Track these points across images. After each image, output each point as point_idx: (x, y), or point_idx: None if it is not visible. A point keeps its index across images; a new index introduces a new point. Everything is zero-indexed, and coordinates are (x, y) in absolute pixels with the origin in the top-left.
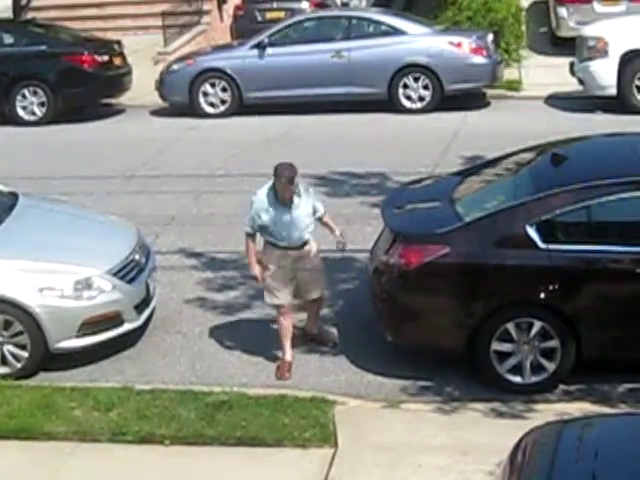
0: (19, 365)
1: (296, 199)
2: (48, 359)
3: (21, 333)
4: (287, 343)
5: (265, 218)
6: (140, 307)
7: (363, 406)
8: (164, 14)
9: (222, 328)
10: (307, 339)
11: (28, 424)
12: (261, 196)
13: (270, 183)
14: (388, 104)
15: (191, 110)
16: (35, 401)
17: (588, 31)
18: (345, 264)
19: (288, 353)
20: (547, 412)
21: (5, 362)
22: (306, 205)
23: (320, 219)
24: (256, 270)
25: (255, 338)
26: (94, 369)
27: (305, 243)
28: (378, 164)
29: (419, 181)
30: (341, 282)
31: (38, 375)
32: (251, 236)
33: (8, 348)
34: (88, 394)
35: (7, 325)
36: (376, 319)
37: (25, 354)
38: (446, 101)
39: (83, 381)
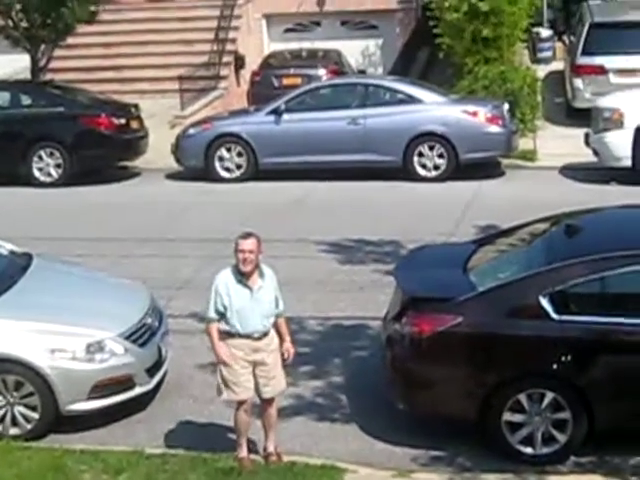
0: (29, 426)
1: (259, 281)
2: (59, 421)
3: (32, 394)
4: (243, 440)
5: (225, 301)
6: (152, 371)
7: (373, 475)
8: (181, 78)
9: None
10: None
11: None
12: (222, 277)
13: (233, 263)
14: (403, 172)
15: (206, 174)
16: (45, 463)
17: (604, 102)
18: (357, 332)
19: (244, 450)
20: None
21: (15, 423)
22: (269, 291)
23: (276, 316)
24: (227, 352)
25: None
26: (104, 432)
27: (265, 334)
28: (392, 232)
29: (434, 247)
30: (353, 350)
31: (48, 437)
32: (213, 323)
33: (19, 409)
34: (98, 457)
35: (18, 386)
36: (388, 387)
37: (36, 415)
38: (461, 170)
39: (93, 444)
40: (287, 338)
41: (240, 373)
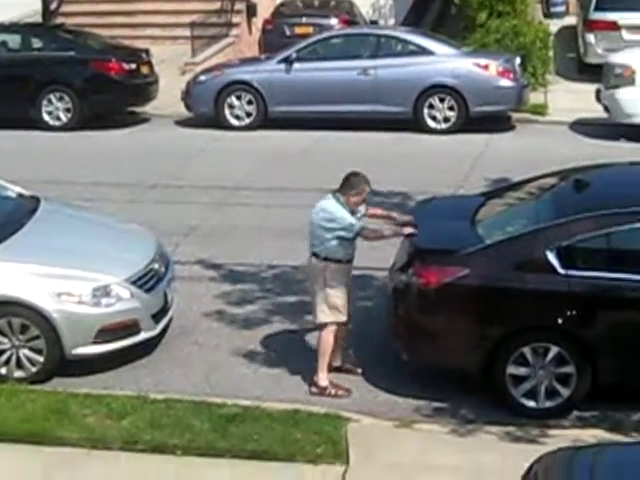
0: (34, 369)
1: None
2: (64, 365)
3: (37, 337)
4: (326, 363)
5: (354, 226)
6: (157, 316)
7: (376, 424)
8: (193, 25)
9: (239, 341)
10: (329, 369)
11: (41, 429)
12: (337, 204)
13: (332, 196)
14: (413, 123)
15: (216, 122)
16: (49, 406)
17: (615, 58)
18: (363, 282)
19: (325, 373)
20: (560, 438)
21: (20, 366)
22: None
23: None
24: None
25: (271, 352)
26: (109, 377)
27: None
28: (401, 183)
29: (443, 199)
30: (359, 299)
31: (52, 380)
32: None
33: (24, 352)
34: (102, 401)
35: (24, 329)
36: (392, 337)
37: (41, 359)
38: (471, 123)
39: (97, 388)
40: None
41: (347, 298)
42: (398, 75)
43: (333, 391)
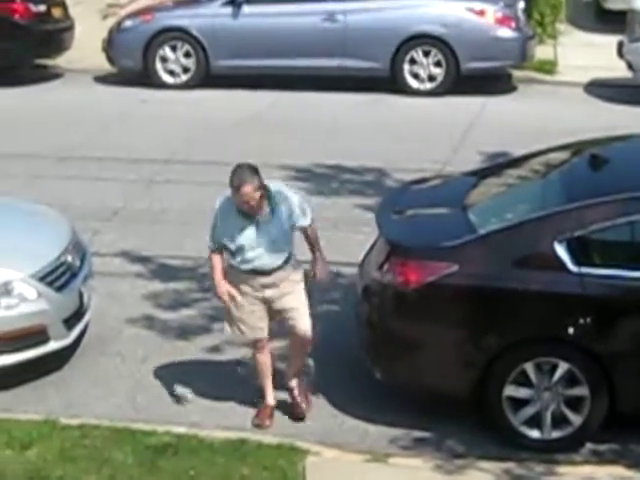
0: None
1: (266, 210)
2: None
3: None
4: (267, 382)
5: (226, 232)
6: (70, 321)
7: (341, 458)
8: None
9: (172, 353)
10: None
11: None
12: (221, 205)
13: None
14: (390, 83)
15: (145, 78)
16: None
17: None
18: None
19: (269, 395)
20: (570, 476)
21: None
22: (280, 219)
23: (304, 231)
24: (223, 289)
25: (212, 368)
26: (10, 396)
27: (279, 268)
28: (375, 157)
29: (424, 180)
30: (321, 303)
31: None
32: (215, 252)
33: None
34: (0, 427)
35: None
36: (363, 351)
37: None
38: (462, 83)
39: None
40: (318, 254)
41: (248, 310)
42: (372, 22)
43: (256, 420)
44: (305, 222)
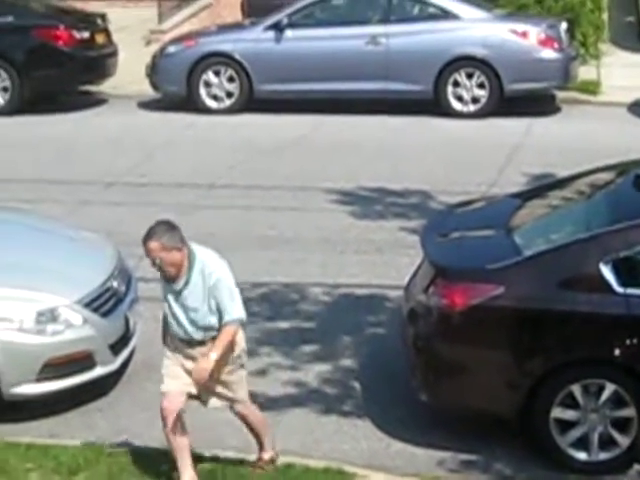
0: None
1: (182, 282)
2: (1, 408)
3: None
4: (178, 457)
5: (164, 292)
6: (117, 347)
7: None
8: None
9: None
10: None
11: None
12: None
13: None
14: (434, 105)
15: (189, 103)
16: None
17: None
18: (373, 304)
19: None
20: None
21: None
22: (197, 296)
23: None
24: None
25: (260, 393)
26: (57, 422)
27: (201, 343)
28: (419, 180)
29: (469, 203)
30: (368, 326)
31: None
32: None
33: None
34: (48, 453)
35: None
36: (409, 374)
37: None
38: (506, 104)
39: (42, 436)
40: (212, 354)
41: (170, 363)
42: (415, 45)
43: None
44: (227, 317)
